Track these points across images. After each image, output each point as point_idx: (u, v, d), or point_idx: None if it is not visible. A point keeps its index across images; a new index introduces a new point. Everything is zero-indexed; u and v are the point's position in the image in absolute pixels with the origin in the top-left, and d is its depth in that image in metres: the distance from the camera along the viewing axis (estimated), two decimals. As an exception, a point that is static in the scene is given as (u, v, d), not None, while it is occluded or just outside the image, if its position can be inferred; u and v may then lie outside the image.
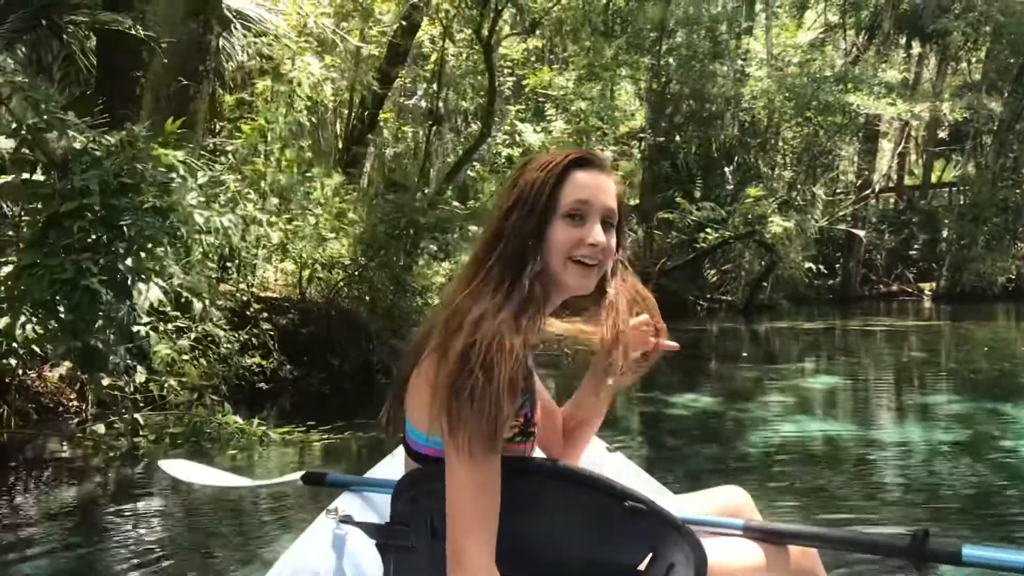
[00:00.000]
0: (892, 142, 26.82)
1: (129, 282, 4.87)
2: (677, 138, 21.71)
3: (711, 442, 6.20)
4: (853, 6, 24.53)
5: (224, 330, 6.67)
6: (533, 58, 22.99)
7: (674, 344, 1.82)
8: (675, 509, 1.62)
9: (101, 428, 5.48)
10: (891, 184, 27.34)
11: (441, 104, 13.97)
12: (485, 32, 11.72)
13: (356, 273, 8.38)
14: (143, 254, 4.97)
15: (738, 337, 15.12)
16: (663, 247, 20.31)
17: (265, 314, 7.78)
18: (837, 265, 23.86)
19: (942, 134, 26.22)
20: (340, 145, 15.75)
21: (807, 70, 21.05)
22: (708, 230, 18.64)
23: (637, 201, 22.48)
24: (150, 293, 6.18)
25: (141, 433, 5.52)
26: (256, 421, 5.67)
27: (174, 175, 5.54)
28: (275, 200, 8.56)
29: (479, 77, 20.69)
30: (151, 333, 5.89)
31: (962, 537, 3.64)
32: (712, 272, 20.88)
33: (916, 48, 25.94)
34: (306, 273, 8.36)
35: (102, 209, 4.74)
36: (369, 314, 8.36)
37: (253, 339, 7.47)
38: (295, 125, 9.59)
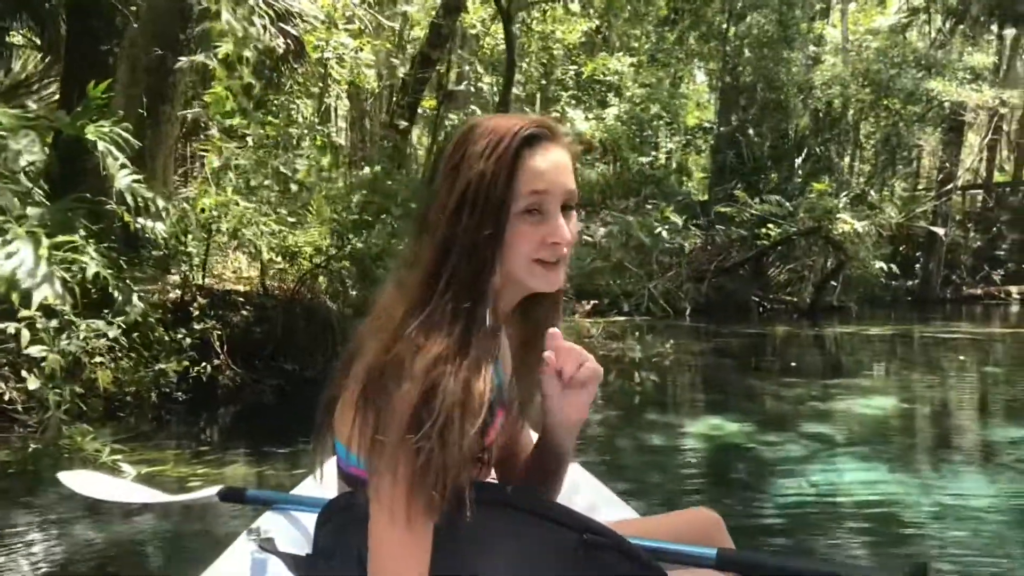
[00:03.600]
0: (979, 135, 24.82)
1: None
2: (750, 131, 20.24)
3: (716, 493, 4.80)
4: (939, -11, 22.60)
5: (123, 327, 5.52)
6: (601, 47, 21.83)
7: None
8: (639, 534, 1.45)
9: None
10: (979, 180, 25.44)
11: (460, 81, 12.78)
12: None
13: (322, 264, 7.20)
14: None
15: (796, 343, 13.50)
16: (724, 243, 18.79)
17: (205, 310, 6.67)
18: (917, 265, 22.04)
19: (1037, 126, 24.28)
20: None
21: (884, 55, 19.41)
22: (770, 225, 17.11)
23: (706, 197, 21.08)
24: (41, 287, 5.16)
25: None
26: (110, 447, 4.46)
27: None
28: (239, 182, 7.47)
29: (529, 59, 19.50)
30: (23, 332, 4.83)
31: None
32: (777, 271, 19.27)
33: (1009, 31, 23.91)
34: (266, 260, 7.21)
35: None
36: (338, 312, 7.18)
37: (188, 339, 6.36)
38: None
